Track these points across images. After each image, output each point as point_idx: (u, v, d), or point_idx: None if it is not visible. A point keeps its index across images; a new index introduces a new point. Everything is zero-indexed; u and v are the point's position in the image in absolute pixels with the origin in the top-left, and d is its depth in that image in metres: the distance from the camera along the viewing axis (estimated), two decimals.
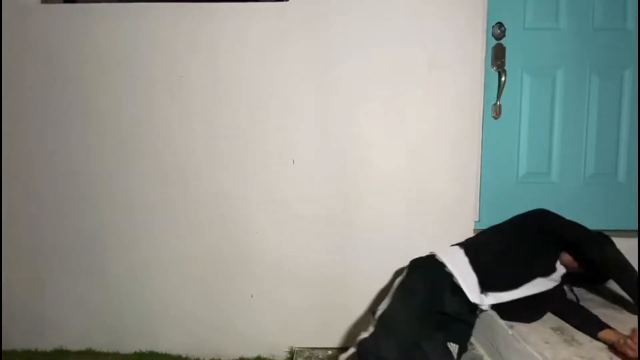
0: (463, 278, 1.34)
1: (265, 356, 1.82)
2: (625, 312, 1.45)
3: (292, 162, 1.75)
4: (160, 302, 1.84)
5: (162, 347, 1.86)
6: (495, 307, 1.42)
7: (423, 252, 1.72)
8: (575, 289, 1.56)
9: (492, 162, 1.80)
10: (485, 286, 1.34)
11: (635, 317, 1.38)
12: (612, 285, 1.70)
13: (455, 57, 1.69)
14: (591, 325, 1.32)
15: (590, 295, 1.60)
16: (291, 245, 1.78)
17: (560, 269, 1.47)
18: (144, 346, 1.86)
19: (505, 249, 1.48)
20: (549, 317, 1.39)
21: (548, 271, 1.43)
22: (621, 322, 1.36)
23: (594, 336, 1.28)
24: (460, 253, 1.44)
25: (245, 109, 1.74)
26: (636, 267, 1.68)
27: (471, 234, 1.74)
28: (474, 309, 1.35)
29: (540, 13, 1.76)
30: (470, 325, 1.39)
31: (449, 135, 1.73)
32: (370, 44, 1.70)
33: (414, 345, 1.23)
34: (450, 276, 1.35)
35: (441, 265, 1.38)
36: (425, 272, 1.42)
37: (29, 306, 1.86)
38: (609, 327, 1.28)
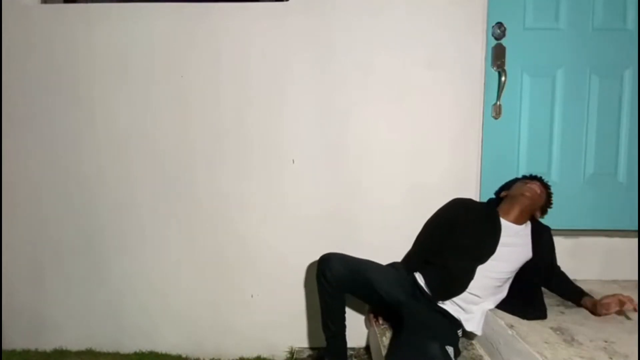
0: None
1: (265, 356, 1.83)
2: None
3: (292, 161, 1.75)
4: (160, 302, 1.84)
5: (162, 347, 1.86)
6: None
7: None
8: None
9: (492, 162, 1.80)
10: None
11: (635, 317, 1.39)
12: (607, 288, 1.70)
13: (455, 57, 1.70)
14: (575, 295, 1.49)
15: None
16: (291, 245, 1.79)
17: None
18: (144, 346, 1.87)
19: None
20: (549, 317, 1.39)
21: None
22: (621, 322, 1.36)
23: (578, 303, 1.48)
24: None
25: (245, 109, 1.74)
26: (636, 267, 1.69)
27: None
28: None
29: (540, 13, 1.76)
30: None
31: (449, 135, 1.73)
32: (370, 44, 1.70)
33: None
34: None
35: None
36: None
37: (29, 306, 1.86)
38: (587, 294, 1.47)
